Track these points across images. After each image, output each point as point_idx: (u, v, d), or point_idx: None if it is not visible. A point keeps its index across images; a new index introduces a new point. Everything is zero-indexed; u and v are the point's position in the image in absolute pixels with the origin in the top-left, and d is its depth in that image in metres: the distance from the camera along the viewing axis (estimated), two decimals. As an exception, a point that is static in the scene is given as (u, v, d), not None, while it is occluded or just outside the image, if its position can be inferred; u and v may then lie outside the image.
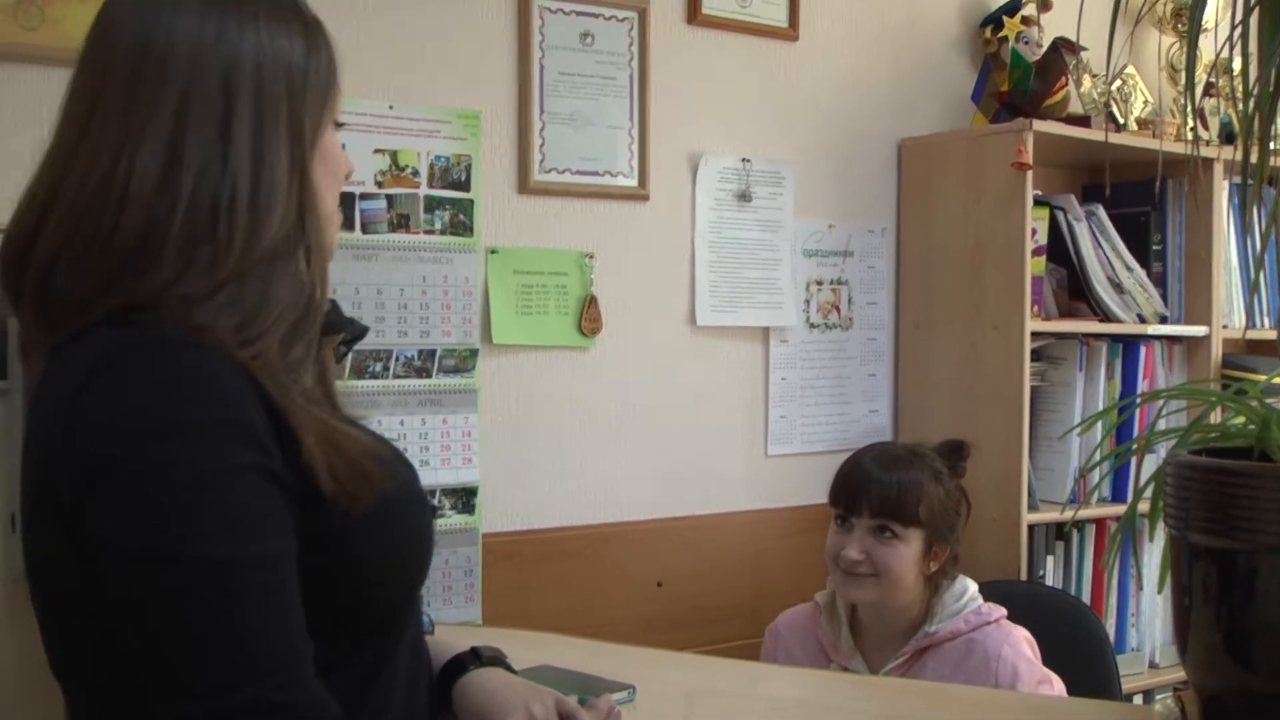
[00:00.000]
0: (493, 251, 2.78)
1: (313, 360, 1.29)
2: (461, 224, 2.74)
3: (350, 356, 2.60)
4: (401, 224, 2.67)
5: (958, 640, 2.37)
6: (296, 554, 1.18)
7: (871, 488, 2.40)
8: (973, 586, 2.46)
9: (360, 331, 1.50)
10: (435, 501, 2.69)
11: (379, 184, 2.65)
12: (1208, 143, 3.53)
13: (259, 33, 1.28)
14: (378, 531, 1.24)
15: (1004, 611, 2.42)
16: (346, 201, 2.61)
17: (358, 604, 1.25)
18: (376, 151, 2.65)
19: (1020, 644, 2.35)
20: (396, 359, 2.67)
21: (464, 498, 2.74)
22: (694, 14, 3.05)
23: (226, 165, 1.23)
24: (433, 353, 2.71)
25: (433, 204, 2.71)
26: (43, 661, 1.29)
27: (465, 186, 2.74)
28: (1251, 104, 1.45)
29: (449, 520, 2.71)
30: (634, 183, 2.97)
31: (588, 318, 2.89)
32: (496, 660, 1.57)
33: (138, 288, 1.19)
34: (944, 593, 2.43)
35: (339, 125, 1.38)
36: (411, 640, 1.38)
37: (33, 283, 1.23)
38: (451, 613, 2.70)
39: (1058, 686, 2.32)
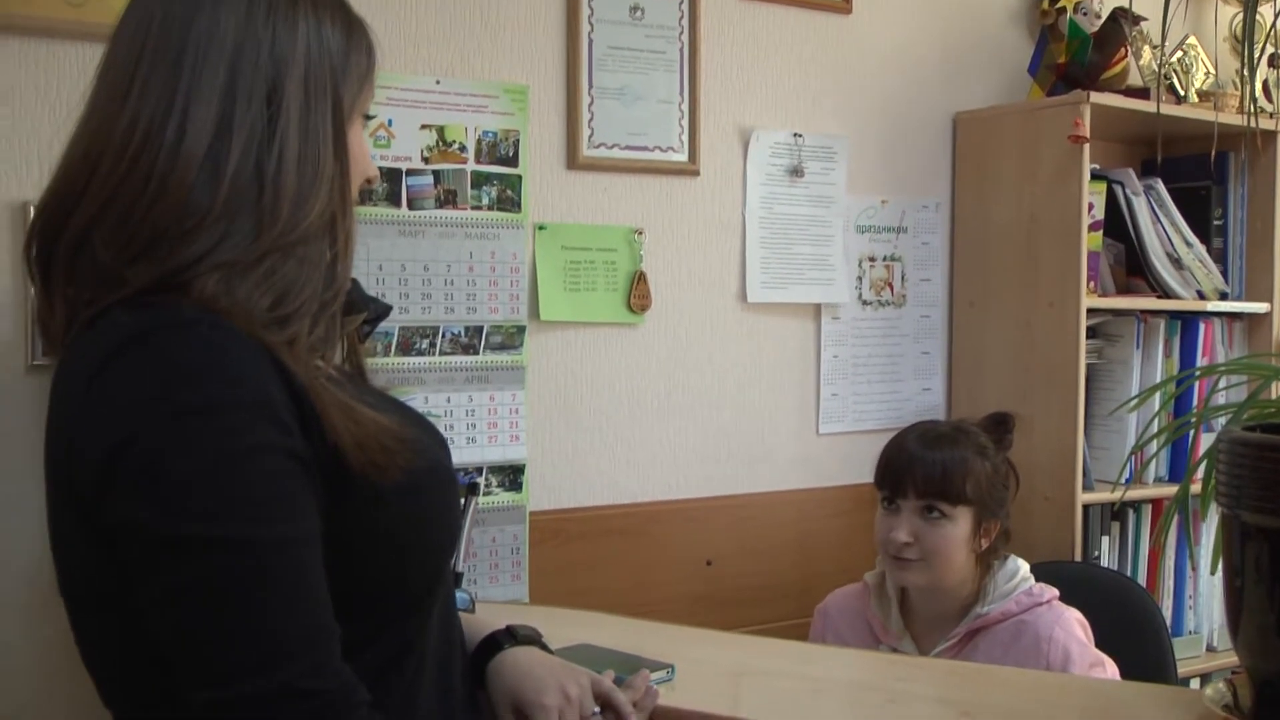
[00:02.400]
0: (541, 227, 2.77)
1: (336, 339, 1.28)
2: (509, 200, 2.72)
3: (396, 333, 2.60)
4: (449, 200, 2.66)
5: (1009, 622, 2.35)
6: (323, 535, 1.16)
7: (916, 468, 2.38)
8: (1024, 567, 2.43)
9: (383, 311, 1.50)
10: (483, 479, 2.68)
11: (426, 160, 2.64)
12: (1272, 115, 3.46)
13: (308, 18, 1.30)
14: (405, 508, 1.23)
15: (1056, 592, 2.39)
16: (393, 177, 2.60)
17: (386, 582, 1.24)
18: (423, 127, 2.64)
19: (1072, 625, 2.32)
20: (443, 335, 2.66)
21: (511, 475, 2.73)
22: (744, -13, 3.02)
23: (274, 136, 1.24)
24: (480, 329, 2.70)
25: (480, 179, 2.69)
26: (66, 657, 1.29)
27: (513, 162, 2.73)
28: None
29: (496, 498, 2.70)
30: (684, 158, 2.94)
31: (637, 294, 2.87)
32: (532, 640, 1.56)
33: (173, 256, 1.18)
34: (995, 573, 2.40)
35: (367, 119, 1.40)
36: (442, 617, 1.37)
37: (65, 251, 1.22)
38: (498, 590, 2.69)
39: (1110, 669, 2.29)
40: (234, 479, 1.11)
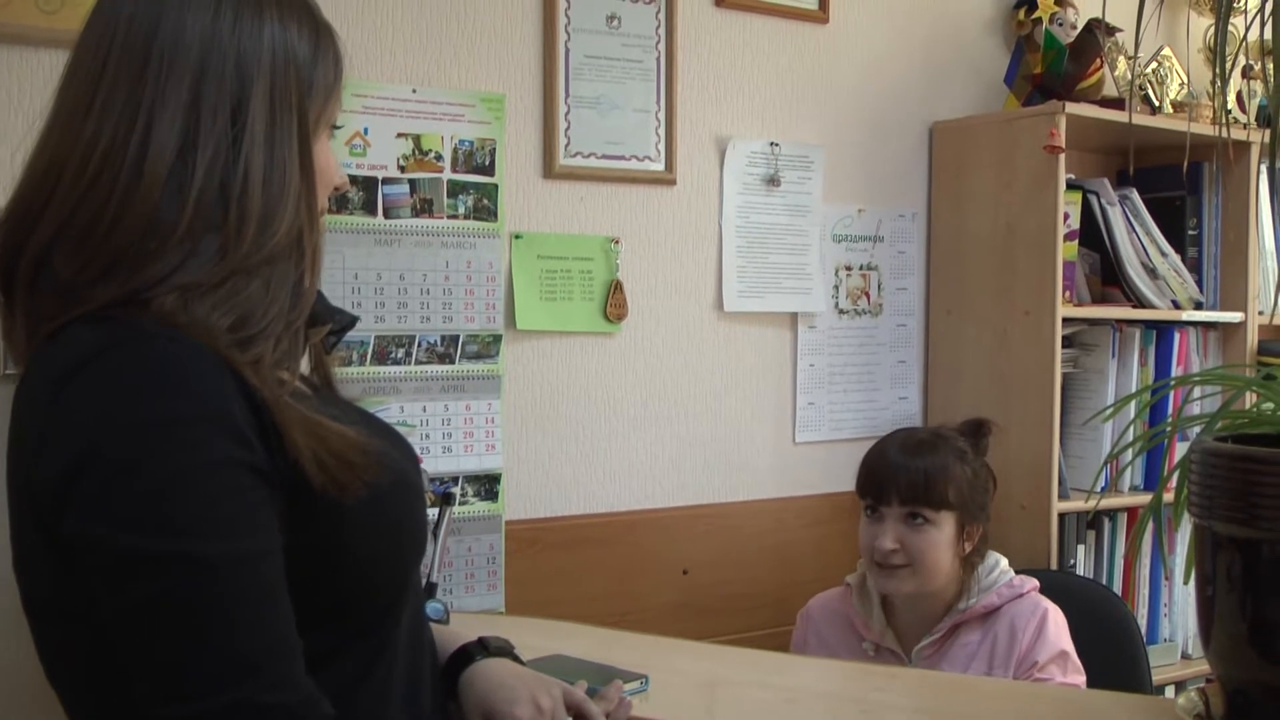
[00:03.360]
0: (517, 237, 2.76)
1: (300, 352, 1.27)
2: (485, 209, 2.72)
3: (372, 342, 2.59)
4: (425, 209, 2.65)
5: (988, 614, 2.37)
6: (287, 548, 1.16)
7: (898, 475, 2.40)
8: (1003, 560, 2.47)
9: (348, 322, 1.47)
10: (458, 488, 2.67)
11: (402, 168, 2.63)
12: (1245, 126, 3.48)
13: (274, 25, 1.27)
14: (369, 522, 1.22)
15: (1035, 583, 2.43)
16: (370, 186, 2.59)
17: (350, 595, 1.24)
18: (399, 136, 2.63)
19: (1048, 616, 2.35)
20: (419, 345, 2.65)
21: (487, 484, 2.73)
22: (721, -4, 3.02)
23: (239, 153, 1.22)
24: (456, 339, 2.69)
25: (456, 189, 2.69)
26: (32, 673, 1.28)
27: (489, 171, 2.72)
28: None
29: (472, 507, 2.70)
30: (661, 167, 2.94)
31: (613, 304, 2.87)
32: (504, 651, 1.56)
33: (136, 276, 1.17)
34: (976, 569, 2.43)
35: (335, 130, 1.38)
36: (411, 629, 1.36)
37: (26, 269, 1.20)
38: (474, 600, 2.68)
39: (1073, 666, 2.32)
40: (194, 494, 1.10)
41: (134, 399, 1.10)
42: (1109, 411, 2.12)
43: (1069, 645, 2.35)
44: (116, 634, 1.11)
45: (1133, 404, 3.10)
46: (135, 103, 1.20)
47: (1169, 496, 1.61)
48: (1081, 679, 2.33)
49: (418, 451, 2.35)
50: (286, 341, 1.23)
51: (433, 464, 2.61)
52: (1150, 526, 2.85)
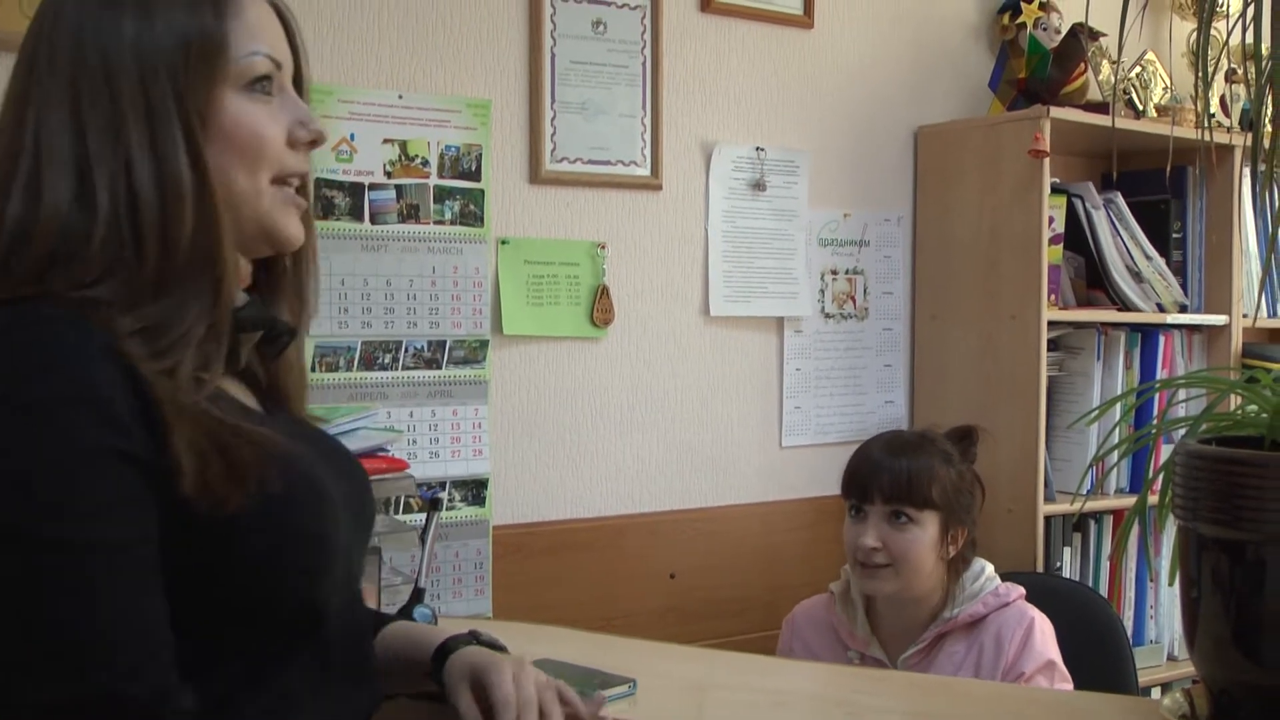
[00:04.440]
0: (503, 242, 2.77)
1: (221, 355, 1.24)
2: (472, 214, 2.72)
3: (359, 347, 2.59)
4: (411, 214, 2.66)
5: (975, 623, 2.37)
6: (169, 545, 1.13)
7: (881, 474, 2.39)
8: (989, 567, 2.46)
9: (281, 330, 1.38)
10: (445, 493, 2.68)
11: (388, 174, 2.64)
12: (1229, 129, 3.49)
13: (135, 14, 1.20)
14: (256, 533, 1.18)
15: (1022, 591, 2.42)
16: (356, 192, 2.60)
17: (239, 602, 1.19)
18: (386, 141, 2.64)
19: (1034, 625, 2.34)
20: (406, 350, 2.66)
21: (474, 489, 2.73)
22: (707, 2, 3.03)
23: (130, 170, 1.17)
24: (443, 344, 2.69)
25: (443, 194, 2.69)
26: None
27: (476, 176, 2.73)
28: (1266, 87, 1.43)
29: (459, 512, 2.70)
30: (646, 172, 2.95)
31: (600, 308, 2.87)
32: (494, 645, 1.55)
33: (50, 282, 1.15)
34: (962, 576, 2.42)
35: (264, 93, 1.27)
36: (342, 638, 1.32)
37: None
38: (461, 605, 2.68)
39: (1060, 673, 2.32)
40: (58, 477, 1.07)
41: (14, 379, 1.08)
42: (1094, 414, 2.13)
43: (1056, 654, 2.35)
44: None
45: (1118, 407, 3.11)
46: (24, 130, 1.18)
47: (1154, 499, 1.61)
48: (1069, 687, 2.34)
49: (405, 458, 2.36)
50: (210, 346, 1.21)
51: (420, 469, 2.61)
52: (1136, 529, 2.86)
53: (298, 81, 1.36)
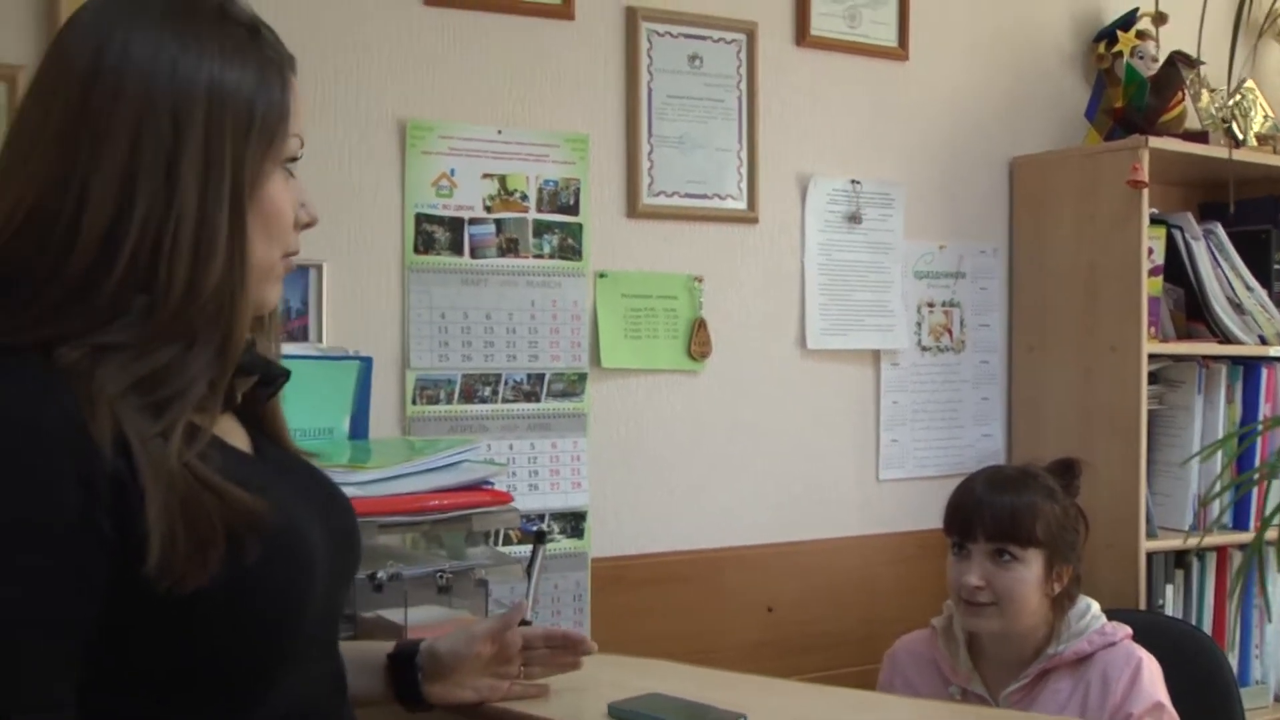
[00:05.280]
0: (601, 275, 2.78)
1: (219, 402, 1.23)
2: (570, 248, 2.74)
3: (459, 381, 2.61)
4: (510, 248, 2.68)
5: (1080, 660, 2.33)
6: (122, 612, 1.11)
7: (984, 511, 2.36)
8: (1095, 605, 2.42)
9: (276, 374, 1.38)
10: (545, 525, 2.69)
11: (488, 209, 2.66)
12: (1333, 158, 3.44)
13: (214, 66, 1.19)
14: (220, 610, 1.16)
15: (1128, 630, 2.37)
16: (456, 226, 2.62)
17: (194, 664, 1.18)
18: (485, 176, 2.66)
19: (1143, 665, 2.31)
20: (505, 383, 2.67)
21: (573, 522, 2.74)
22: (803, 35, 3.03)
23: (170, 210, 1.16)
24: (541, 377, 2.71)
25: (541, 228, 2.71)
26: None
27: (574, 210, 2.74)
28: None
29: (558, 545, 2.71)
30: (743, 205, 2.95)
31: (697, 341, 2.88)
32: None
33: (51, 328, 1.13)
34: (1067, 613, 2.38)
35: (292, 162, 1.29)
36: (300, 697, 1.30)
37: None
38: (561, 638, 2.69)
39: (1168, 713, 2.28)
40: None
41: None
42: (1204, 453, 2.09)
43: (1164, 696, 2.30)
44: None
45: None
46: (72, 162, 1.15)
47: (1272, 534, 1.59)
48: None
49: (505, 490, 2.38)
50: (210, 400, 1.20)
51: (519, 502, 2.60)
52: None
53: None
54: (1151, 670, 2.32)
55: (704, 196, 2.90)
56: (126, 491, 1.10)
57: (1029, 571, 2.33)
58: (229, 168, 1.19)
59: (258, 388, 1.36)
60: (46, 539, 1.07)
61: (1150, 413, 3.13)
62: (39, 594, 1.07)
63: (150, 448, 1.11)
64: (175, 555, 1.10)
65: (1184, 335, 3.26)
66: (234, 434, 1.32)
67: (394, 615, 2.03)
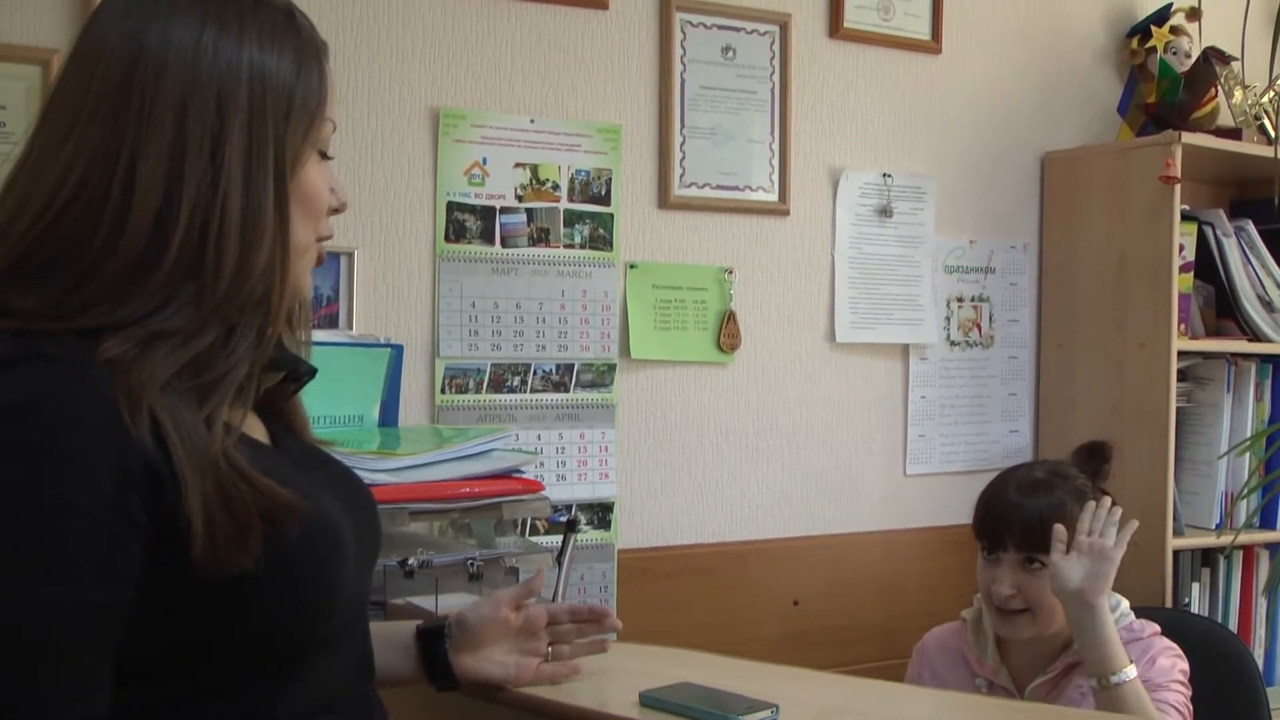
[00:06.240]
0: (632, 266, 2.78)
1: (251, 397, 1.23)
2: (601, 238, 2.74)
3: (489, 370, 2.61)
4: (541, 238, 2.68)
5: None
6: (163, 587, 1.11)
7: (1014, 519, 2.34)
8: (1125, 603, 2.40)
9: (305, 370, 1.39)
10: (571, 515, 2.69)
11: (519, 198, 2.66)
12: (1365, 157, 3.42)
13: (253, 50, 1.20)
14: (265, 590, 1.17)
15: (1157, 628, 2.36)
16: (487, 215, 2.63)
17: (232, 646, 1.18)
18: (517, 165, 2.66)
19: (1161, 652, 2.29)
20: (534, 373, 2.68)
21: (600, 513, 2.74)
22: (835, 27, 3.03)
23: (217, 191, 1.16)
24: (571, 367, 2.71)
25: (572, 218, 2.71)
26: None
27: (605, 201, 2.74)
28: None
29: (585, 536, 2.71)
30: (774, 197, 2.95)
31: (726, 333, 2.88)
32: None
33: (104, 316, 1.13)
34: None
35: (325, 157, 1.30)
36: (329, 683, 1.30)
37: None
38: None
39: (1175, 690, 2.25)
40: (25, 530, 1.05)
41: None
42: (1234, 450, 2.08)
43: (1181, 674, 2.29)
44: None
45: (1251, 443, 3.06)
46: (117, 143, 1.15)
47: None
48: (1186, 694, 2.28)
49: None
50: (244, 389, 1.21)
51: (547, 492, 2.62)
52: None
53: None
54: (1179, 658, 2.31)
55: (735, 188, 2.90)
56: (162, 481, 1.10)
57: None
58: (272, 150, 1.20)
59: (283, 383, 1.36)
60: (81, 525, 1.06)
61: (1178, 410, 3.12)
62: (73, 579, 1.06)
63: (191, 436, 1.12)
64: (217, 540, 1.11)
65: (1213, 333, 3.25)
66: (252, 427, 1.31)
67: (424, 602, 2.04)
